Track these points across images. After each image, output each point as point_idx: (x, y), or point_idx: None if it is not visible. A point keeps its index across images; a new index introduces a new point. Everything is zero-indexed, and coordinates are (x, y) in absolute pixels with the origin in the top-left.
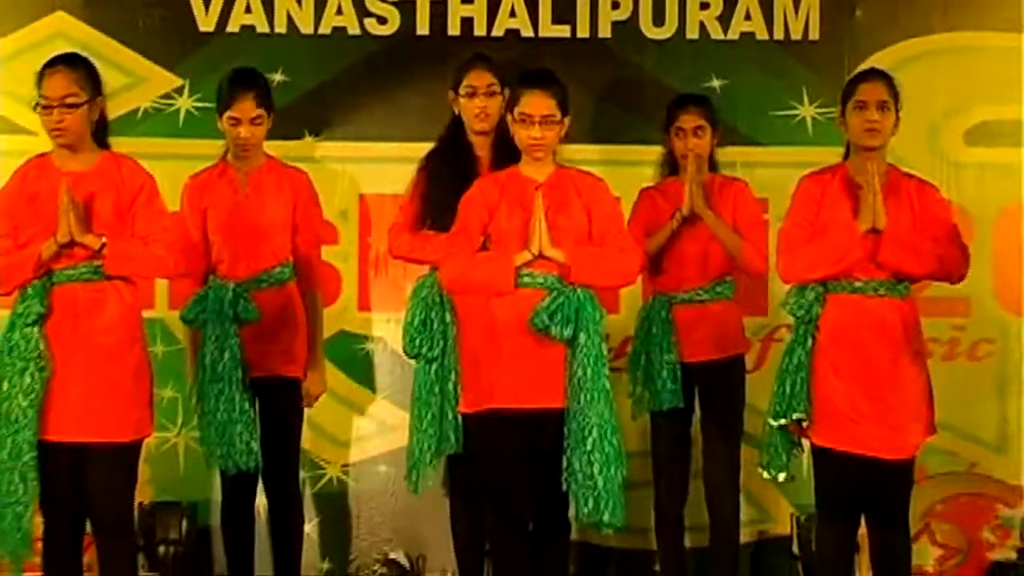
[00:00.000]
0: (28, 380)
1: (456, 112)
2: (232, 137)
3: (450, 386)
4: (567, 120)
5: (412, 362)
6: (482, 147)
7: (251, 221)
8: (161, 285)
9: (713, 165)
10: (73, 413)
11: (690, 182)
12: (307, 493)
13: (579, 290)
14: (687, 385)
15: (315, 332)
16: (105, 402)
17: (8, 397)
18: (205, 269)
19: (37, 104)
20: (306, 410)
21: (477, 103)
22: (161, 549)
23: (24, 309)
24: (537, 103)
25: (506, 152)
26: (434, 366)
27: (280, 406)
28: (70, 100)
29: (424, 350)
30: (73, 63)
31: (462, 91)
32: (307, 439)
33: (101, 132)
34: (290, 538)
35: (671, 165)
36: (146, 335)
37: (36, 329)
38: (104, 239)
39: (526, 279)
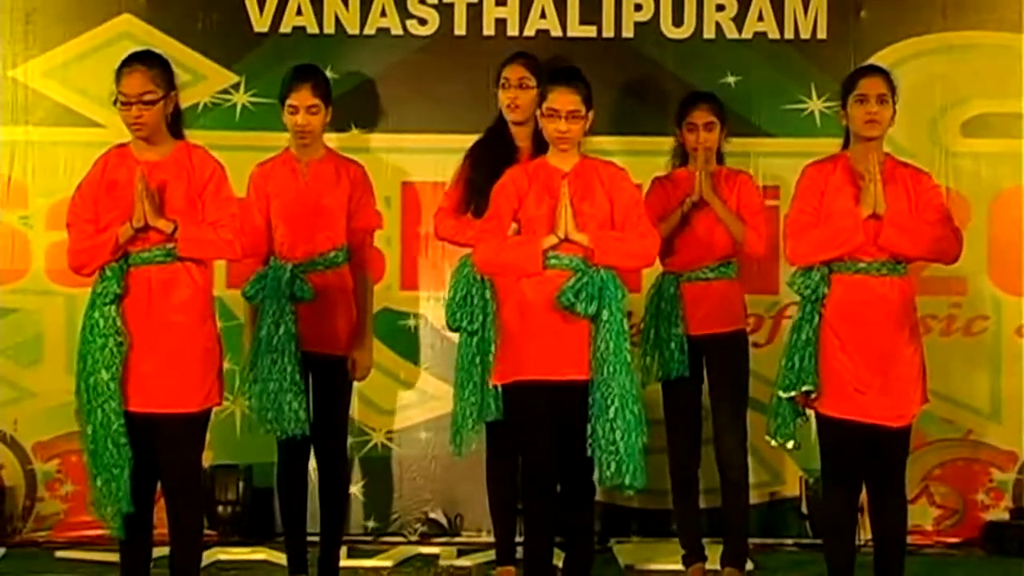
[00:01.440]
0: (108, 355)
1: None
2: (291, 125)
3: (490, 358)
4: (591, 114)
5: (451, 337)
6: (523, 138)
7: (309, 207)
8: (219, 265)
9: (720, 158)
10: (148, 386)
11: (700, 172)
12: (354, 457)
13: (602, 271)
14: (694, 356)
15: (364, 311)
16: (177, 376)
17: (92, 371)
18: (267, 250)
19: (116, 99)
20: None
21: (509, 94)
22: (220, 509)
23: (103, 289)
24: (563, 99)
25: (545, 143)
26: (475, 339)
27: (330, 380)
28: (147, 97)
29: (464, 323)
30: (149, 62)
31: (500, 83)
32: (354, 408)
33: (175, 123)
34: (337, 500)
35: (682, 156)
36: (215, 313)
37: (114, 308)
38: (176, 224)
39: (553, 261)
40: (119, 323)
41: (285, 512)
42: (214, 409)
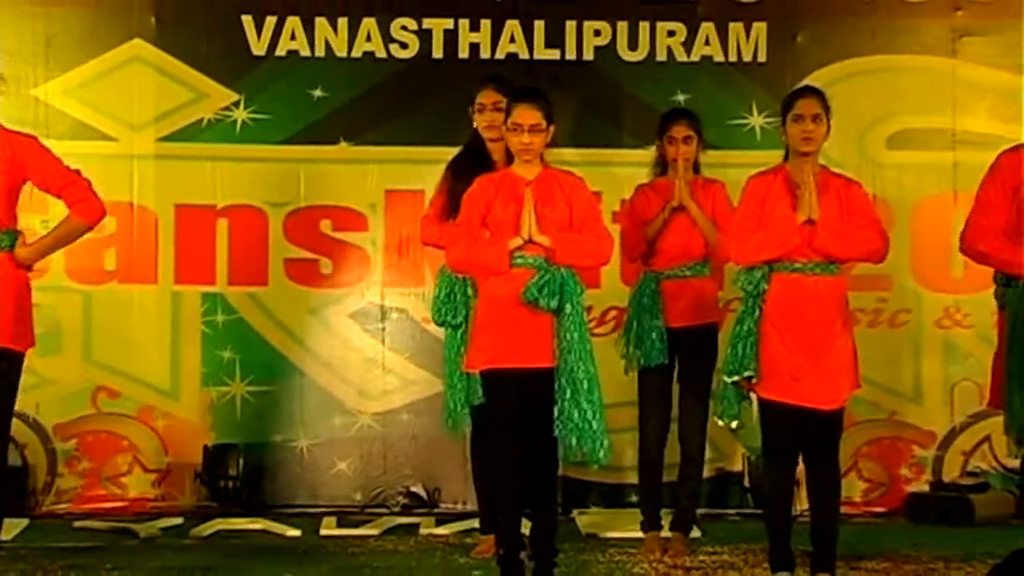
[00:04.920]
0: None
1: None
2: None
3: None
4: (552, 128)
5: (431, 329)
6: (497, 152)
7: None
8: (222, 261)
9: (697, 167)
10: None
11: (679, 180)
12: (343, 437)
13: (563, 269)
14: (670, 346)
15: (60, 233)
16: None
17: None
18: None
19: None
20: (343, 368)
21: (486, 117)
22: (221, 483)
23: None
24: (526, 114)
25: None
26: (459, 332)
27: None
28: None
29: (449, 318)
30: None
31: (475, 107)
32: (342, 392)
33: None
34: None
35: (662, 166)
36: None
37: None
38: None
39: (518, 260)
40: None
41: None
42: (218, 394)
